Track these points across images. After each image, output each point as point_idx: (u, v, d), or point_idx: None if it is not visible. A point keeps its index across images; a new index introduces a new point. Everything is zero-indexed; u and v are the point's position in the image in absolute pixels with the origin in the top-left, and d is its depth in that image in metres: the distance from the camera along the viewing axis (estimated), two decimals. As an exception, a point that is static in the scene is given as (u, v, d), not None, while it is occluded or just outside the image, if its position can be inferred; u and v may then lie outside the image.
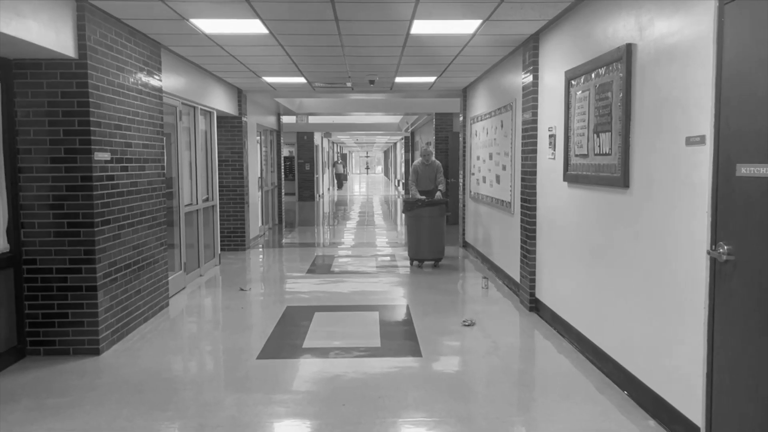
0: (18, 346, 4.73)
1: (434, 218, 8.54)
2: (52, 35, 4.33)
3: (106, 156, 4.96)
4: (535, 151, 6.12)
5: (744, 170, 2.78)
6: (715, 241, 3.00)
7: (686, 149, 3.25)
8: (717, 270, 2.99)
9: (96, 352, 4.84)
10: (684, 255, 3.29)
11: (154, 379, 4.33)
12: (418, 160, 9.42)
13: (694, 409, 3.20)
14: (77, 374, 4.44)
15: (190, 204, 7.90)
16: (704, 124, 3.08)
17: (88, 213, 4.75)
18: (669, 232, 3.46)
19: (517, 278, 6.72)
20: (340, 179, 37.08)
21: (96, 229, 4.78)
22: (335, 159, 39.01)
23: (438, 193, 8.97)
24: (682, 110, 3.31)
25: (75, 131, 4.70)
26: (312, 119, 18.71)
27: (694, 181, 3.19)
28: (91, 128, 4.72)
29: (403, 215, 9.10)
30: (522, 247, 6.46)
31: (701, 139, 3.10)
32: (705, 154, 3.07)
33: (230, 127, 10.11)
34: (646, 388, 3.72)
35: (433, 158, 9.42)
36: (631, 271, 3.95)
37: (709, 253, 3.02)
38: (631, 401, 3.87)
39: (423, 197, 8.76)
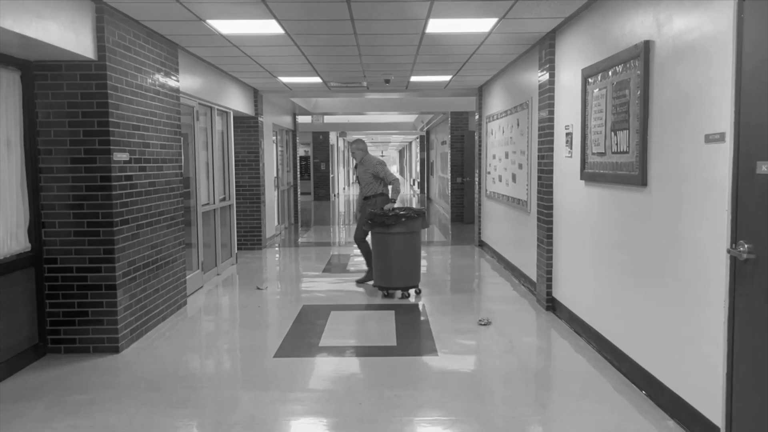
0: (39, 343, 4.80)
1: (408, 235, 6.60)
2: (72, 37, 4.38)
3: (125, 156, 5.01)
4: (551, 150, 6.08)
5: (765, 167, 2.74)
6: (735, 239, 2.96)
7: (705, 147, 3.22)
8: (737, 269, 2.95)
9: (115, 350, 4.89)
10: (703, 253, 3.26)
11: (172, 377, 4.37)
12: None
13: (713, 409, 3.16)
14: (97, 372, 4.49)
15: (207, 204, 7.96)
16: (724, 121, 3.04)
17: (107, 213, 4.80)
18: (688, 231, 3.43)
19: (534, 277, 6.68)
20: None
21: (115, 229, 4.83)
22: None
23: (389, 204, 6.99)
24: (701, 107, 3.28)
25: (94, 132, 4.75)
26: (327, 119, 18.75)
27: (713, 179, 3.15)
28: (110, 129, 4.77)
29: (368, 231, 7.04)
30: (539, 246, 6.43)
31: (721, 137, 3.06)
32: (725, 152, 3.04)
33: (246, 127, 10.17)
34: (664, 387, 3.69)
35: (368, 155, 7.35)
36: (650, 269, 3.91)
37: (729, 251, 2.98)
38: (649, 401, 3.84)
39: (391, 210, 6.73)
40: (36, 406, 3.87)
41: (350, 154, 7.15)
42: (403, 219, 6.52)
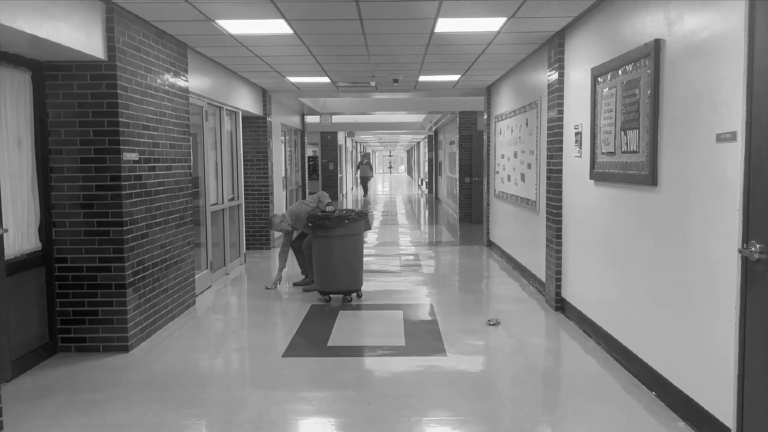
0: (50, 342, 4.83)
1: (350, 238, 6.38)
2: (83, 37, 4.41)
3: (135, 156, 5.03)
4: (561, 149, 6.06)
5: (777, 167, 2.72)
6: (746, 239, 2.94)
7: (717, 146, 3.20)
8: (749, 269, 2.93)
9: (125, 349, 4.91)
10: (714, 254, 3.24)
11: (181, 377, 4.38)
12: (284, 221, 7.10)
13: (724, 410, 3.14)
14: (107, 371, 4.51)
15: (216, 203, 7.99)
16: (735, 120, 3.02)
17: (117, 212, 4.82)
18: (699, 231, 3.41)
19: (543, 277, 6.66)
20: (366, 184, 28.09)
21: (125, 228, 4.85)
22: (360, 159, 32.22)
23: (330, 207, 6.82)
24: (712, 106, 3.26)
25: (104, 132, 4.78)
26: (335, 119, 18.77)
27: (724, 179, 3.13)
28: (120, 128, 4.80)
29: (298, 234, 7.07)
30: (548, 246, 6.41)
31: (732, 136, 3.04)
32: (736, 151, 3.02)
33: (255, 127, 10.19)
34: (674, 388, 3.67)
35: (291, 213, 7.03)
36: (660, 270, 3.89)
37: (740, 251, 2.96)
38: (660, 402, 3.81)
39: (332, 210, 6.62)
40: (46, 404, 3.90)
41: (279, 232, 7.20)
42: (346, 221, 6.30)
